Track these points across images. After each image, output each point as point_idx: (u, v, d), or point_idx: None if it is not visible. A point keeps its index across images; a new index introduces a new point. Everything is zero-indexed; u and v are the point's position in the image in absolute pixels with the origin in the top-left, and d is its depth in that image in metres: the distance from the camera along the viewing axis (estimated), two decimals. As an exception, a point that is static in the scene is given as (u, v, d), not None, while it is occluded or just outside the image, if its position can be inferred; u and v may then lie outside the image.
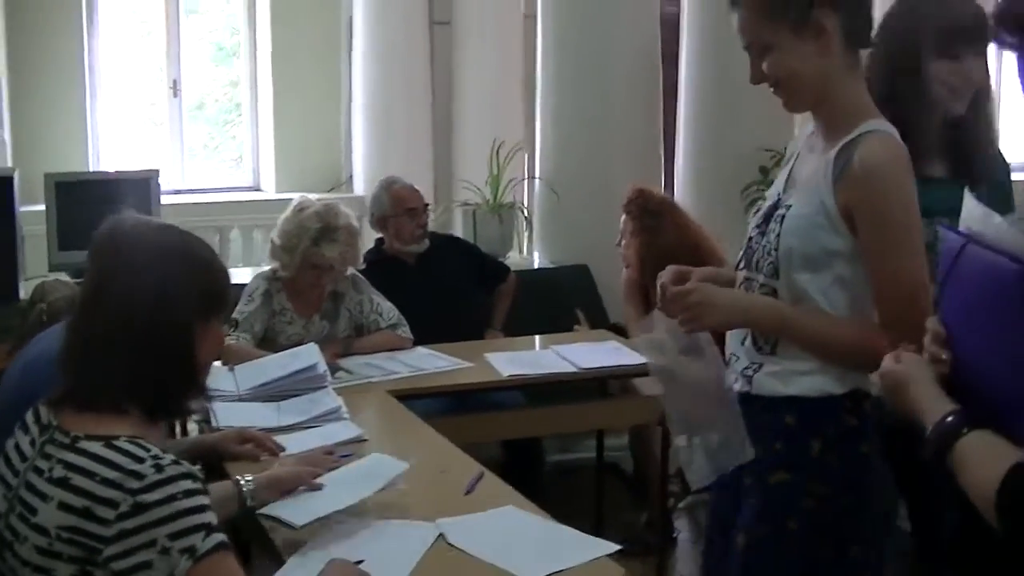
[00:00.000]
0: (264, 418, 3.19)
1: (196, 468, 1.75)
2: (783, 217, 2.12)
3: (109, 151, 7.06)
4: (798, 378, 2.12)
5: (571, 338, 4.41)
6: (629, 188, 4.36)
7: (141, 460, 1.68)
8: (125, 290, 1.82)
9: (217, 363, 3.36)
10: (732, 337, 2.24)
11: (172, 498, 1.67)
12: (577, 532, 2.34)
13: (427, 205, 4.66)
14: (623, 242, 4.36)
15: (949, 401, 1.52)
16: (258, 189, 7.48)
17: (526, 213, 5.75)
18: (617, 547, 2.21)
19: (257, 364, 3.54)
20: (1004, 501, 1.36)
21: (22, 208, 5.63)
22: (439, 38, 7.07)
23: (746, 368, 2.19)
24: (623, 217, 4.36)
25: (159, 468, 1.68)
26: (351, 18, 7.00)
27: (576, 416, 4.19)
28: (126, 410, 1.79)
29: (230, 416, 3.18)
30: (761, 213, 2.22)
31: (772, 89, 2.13)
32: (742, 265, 2.24)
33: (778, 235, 2.12)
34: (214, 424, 3.14)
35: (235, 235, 6.70)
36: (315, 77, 7.27)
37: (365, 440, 3.06)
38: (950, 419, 1.49)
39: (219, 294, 1.94)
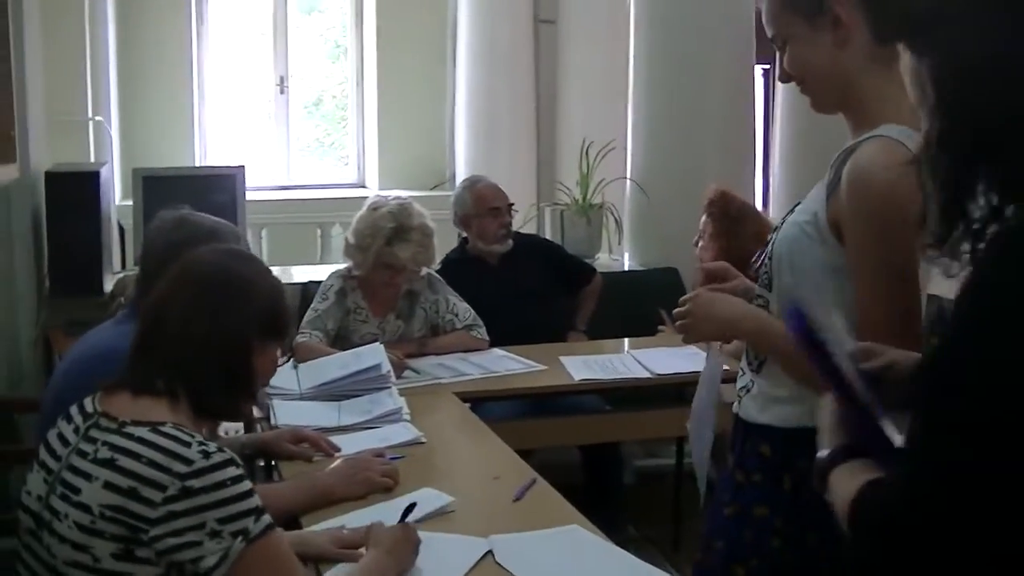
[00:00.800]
0: (324, 418, 3.19)
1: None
2: (784, 224, 2.00)
3: (216, 147, 7.22)
4: (773, 406, 2.00)
5: (653, 342, 4.33)
6: (711, 189, 4.26)
7: (187, 444, 1.75)
8: (193, 304, 1.94)
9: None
10: (746, 350, 2.13)
11: (221, 484, 1.73)
12: (633, 558, 2.23)
13: (511, 205, 4.59)
14: (700, 243, 4.28)
15: (838, 437, 1.48)
16: (363, 186, 7.54)
17: (616, 214, 5.66)
18: (666, 575, 2.12)
19: (320, 363, 3.52)
20: (853, 516, 1.33)
21: (125, 203, 5.81)
22: (544, 36, 7.02)
23: (742, 388, 2.09)
24: (703, 218, 4.27)
25: (206, 455, 1.75)
26: (456, 16, 7.01)
27: (653, 422, 4.12)
28: (179, 400, 1.87)
29: (290, 415, 3.19)
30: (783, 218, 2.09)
31: (800, 88, 2.00)
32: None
33: (774, 242, 1.99)
34: (273, 422, 3.15)
35: (336, 231, 6.74)
36: (420, 75, 7.30)
37: (423, 443, 3.04)
38: (829, 453, 1.46)
39: (277, 321, 2.05)
